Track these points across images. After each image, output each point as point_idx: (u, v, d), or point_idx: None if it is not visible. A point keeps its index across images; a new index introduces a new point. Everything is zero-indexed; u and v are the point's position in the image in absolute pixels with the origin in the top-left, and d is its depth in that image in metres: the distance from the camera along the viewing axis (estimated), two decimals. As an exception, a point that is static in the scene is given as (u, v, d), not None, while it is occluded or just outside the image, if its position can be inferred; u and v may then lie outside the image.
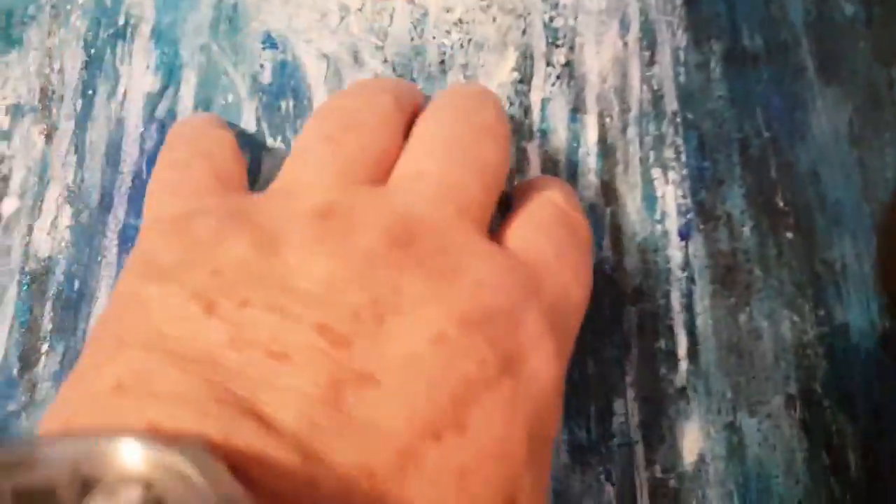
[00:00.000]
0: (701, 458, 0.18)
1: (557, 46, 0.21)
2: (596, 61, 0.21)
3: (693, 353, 0.19)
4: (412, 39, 0.20)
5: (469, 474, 0.10)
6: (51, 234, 0.17)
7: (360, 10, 0.20)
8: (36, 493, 0.08)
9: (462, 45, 0.20)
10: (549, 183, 0.17)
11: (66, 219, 0.18)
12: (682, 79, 0.22)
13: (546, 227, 0.15)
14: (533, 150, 0.20)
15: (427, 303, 0.11)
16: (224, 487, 0.08)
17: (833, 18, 0.24)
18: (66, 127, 0.17)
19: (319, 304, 0.11)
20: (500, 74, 0.21)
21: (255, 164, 0.19)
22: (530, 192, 0.17)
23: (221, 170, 0.14)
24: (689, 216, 0.20)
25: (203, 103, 0.18)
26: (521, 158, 0.20)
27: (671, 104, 0.21)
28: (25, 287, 0.17)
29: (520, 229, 0.15)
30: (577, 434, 0.18)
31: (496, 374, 0.11)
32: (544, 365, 0.12)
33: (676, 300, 0.20)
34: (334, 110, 0.15)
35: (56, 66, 0.18)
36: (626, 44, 0.21)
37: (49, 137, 0.17)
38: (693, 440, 0.19)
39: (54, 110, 0.17)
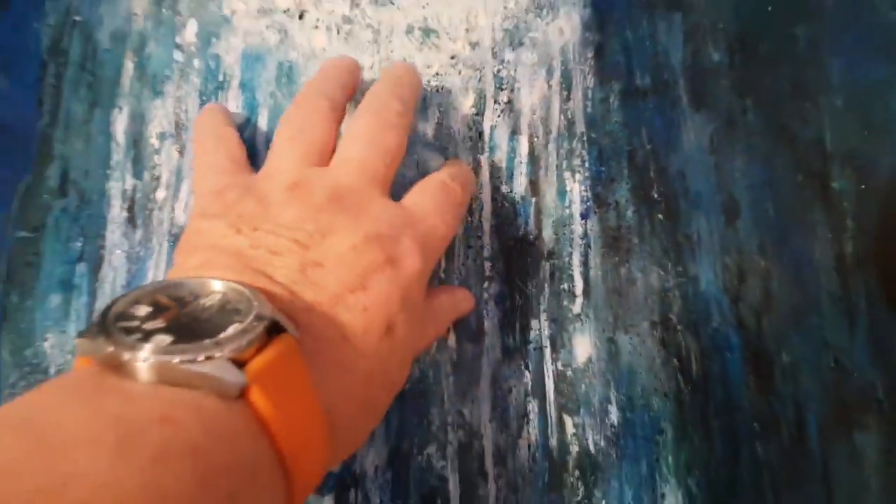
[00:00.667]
0: (589, 359, 0.29)
1: (502, 90, 0.32)
2: (529, 99, 0.32)
3: (587, 292, 0.29)
4: None
5: (369, 309, 0.19)
6: (184, 212, 0.28)
7: (370, 67, 0.31)
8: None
9: (438, 90, 0.31)
10: (448, 164, 0.26)
11: (190, 195, 0.29)
12: (589, 110, 0.32)
13: (430, 191, 0.24)
14: (484, 160, 0.31)
15: (347, 228, 0.20)
16: (259, 299, 0.17)
17: (704, 63, 0.34)
18: (190, 146, 0.28)
19: (292, 230, 0.20)
20: (463, 109, 0.31)
21: (250, 141, 0.29)
22: (437, 171, 0.25)
23: (233, 155, 0.24)
24: (588, 204, 0.31)
25: (272, 129, 0.29)
26: (476, 166, 0.31)
27: (580, 127, 0.32)
28: (171, 243, 0.28)
29: (413, 193, 0.24)
30: (506, 341, 0.29)
31: (383, 264, 0.20)
32: (411, 263, 0.21)
33: (577, 258, 0.30)
34: (292, 118, 0.23)
35: (183, 108, 0.29)
36: (550, 86, 0.32)
37: (181, 153, 0.29)
38: (584, 348, 0.29)
39: (183, 136, 0.29)
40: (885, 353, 0.31)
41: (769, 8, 0.36)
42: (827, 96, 0.35)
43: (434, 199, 0.24)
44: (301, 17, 0.29)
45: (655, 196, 0.31)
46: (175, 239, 0.28)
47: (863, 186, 0.34)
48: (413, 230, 0.22)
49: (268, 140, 0.28)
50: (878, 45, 0.36)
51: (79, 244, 0.26)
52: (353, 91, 0.26)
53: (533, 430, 0.27)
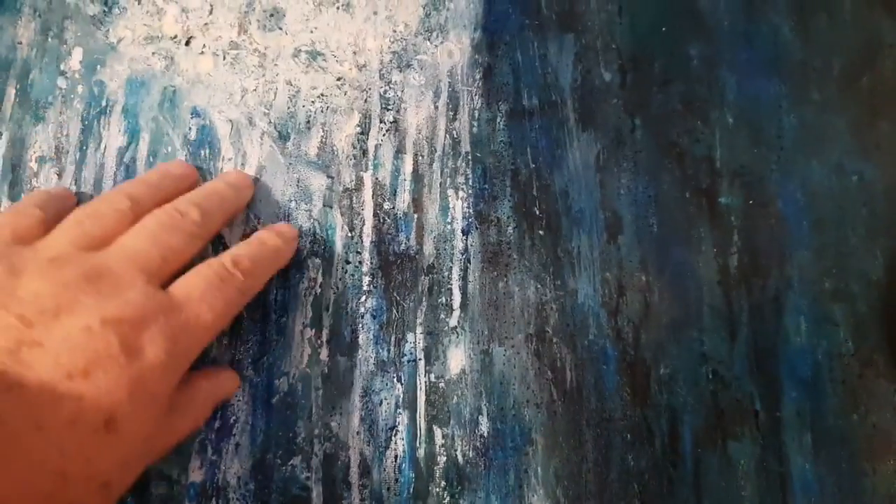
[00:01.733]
0: (462, 371, 0.30)
1: (388, 110, 0.33)
2: (414, 119, 0.33)
3: (464, 305, 0.31)
4: (289, 108, 0.32)
5: (85, 398, 0.18)
6: None
7: (254, 90, 0.32)
8: None
9: (322, 111, 0.33)
10: (250, 240, 0.27)
11: None
12: (475, 130, 0.33)
13: (203, 275, 0.23)
14: (367, 177, 0.32)
15: (87, 308, 0.20)
16: None
17: (594, 83, 0.35)
18: (70, 169, 0.30)
19: (25, 304, 0.20)
20: (347, 129, 0.33)
21: (130, 165, 0.31)
22: (227, 251, 0.26)
23: (18, 228, 0.23)
24: (469, 220, 0.32)
25: (153, 153, 0.30)
26: (358, 183, 0.32)
27: (465, 147, 0.33)
28: None
29: (187, 276, 0.24)
30: (381, 353, 0.30)
31: (117, 352, 0.19)
32: (153, 353, 0.20)
33: (456, 273, 0.31)
34: (90, 205, 0.25)
35: (65, 132, 0.30)
36: (437, 107, 0.33)
37: (59, 176, 0.30)
38: (458, 360, 0.30)
39: (63, 160, 0.30)
40: (764, 365, 0.32)
41: (663, 28, 0.37)
42: (718, 113, 0.36)
43: (205, 284, 0.23)
44: (188, 43, 0.30)
45: (537, 213, 0.32)
46: None
47: (750, 202, 0.35)
48: (167, 318, 0.21)
49: (148, 165, 0.30)
50: (770, 63, 0.37)
51: None
52: (173, 195, 0.26)
53: (401, 442, 0.28)
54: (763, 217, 0.35)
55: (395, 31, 0.34)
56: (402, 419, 0.29)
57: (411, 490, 0.28)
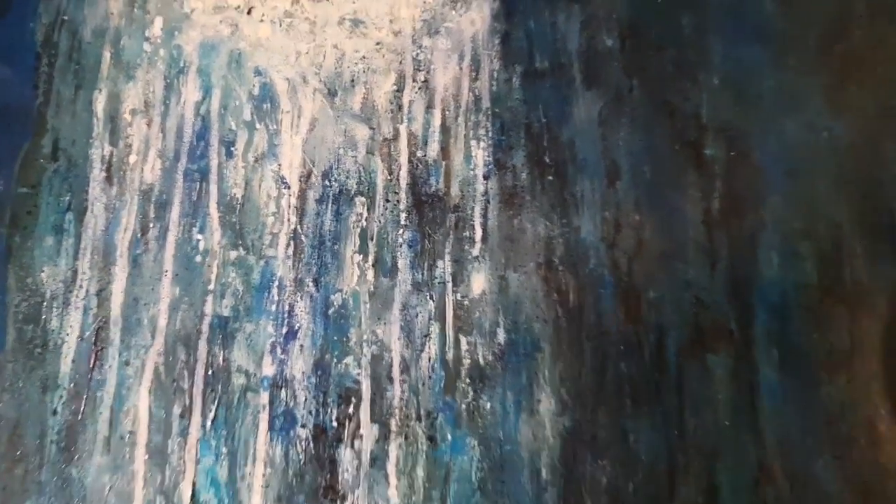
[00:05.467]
0: (483, 292, 0.36)
1: (420, 71, 0.39)
2: (442, 79, 0.39)
3: (484, 238, 0.37)
4: (336, 68, 0.38)
5: None
6: (151, 172, 0.36)
7: (306, 53, 0.38)
8: None
9: (364, 71, 0.39)
10: None
11: (156, 159, 0.36)
12: (494, 88, 0.39)
13: None
14: (403, 129, 0.38)
15: None
16: None
17: (597, 48, 0.41)
18: (157, 120, 0.36)
19: None
20: (385, 86, 0.39)
21: (205, 118, 0.37)
22: None
23: None
24: (489, 167, 0.38)
25: (223, 106, 0.37)
26: (395, 133, 0.38)
27: (486, 103, 0.39)
28: (140, 198, 0.36)
29: None
30: (416, 276, 0.36)
31: None
32: None
33: (478, 211, 0.37)
34: None
35: (151, 89, 0.37)
36: (461, 68, 0.39)
37: (149, 125, 0.36)
38: (479, 283, 0.36)
39: (150, 112, 0.36)
40: (740, 292, 0.39)
41: (659, 0, 0.43)
42: (706, 75, 0.42)
43: None
44: (249, 12, 0.36)
45: (547, 161, 0.38)
46: (143, 195, 0.35)
47: (732, 153, 0.41)
48: None
49: (220, 118, 0.36)
50: (754, 31, 0.43)
51: (67, 198, 0.34)
52: None
53: (433, 347, 0.34)
54: (742, 167, 0.41)
55: (424, 2, 0.40)
56: (435, 329, 0.36)
57: (442, 385, 0.35)
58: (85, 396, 0.31)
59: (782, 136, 0.42)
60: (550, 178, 0.39)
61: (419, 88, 0.39)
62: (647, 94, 0.41)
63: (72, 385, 0.31)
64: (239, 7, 0.37)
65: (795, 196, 0.41)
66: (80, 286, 0.33)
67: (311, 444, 0.32)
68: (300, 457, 0.32)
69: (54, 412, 0.31)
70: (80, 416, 0.31)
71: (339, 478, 0.32)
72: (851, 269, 0.41)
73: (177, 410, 0.31)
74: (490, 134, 0.39)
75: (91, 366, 0.31)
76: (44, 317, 0.32)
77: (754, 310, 0.39)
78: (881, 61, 0.45)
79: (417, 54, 0.39)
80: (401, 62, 0.39)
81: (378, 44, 0.39)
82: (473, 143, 0.39)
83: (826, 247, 0.40)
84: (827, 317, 0.40)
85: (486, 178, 0.39)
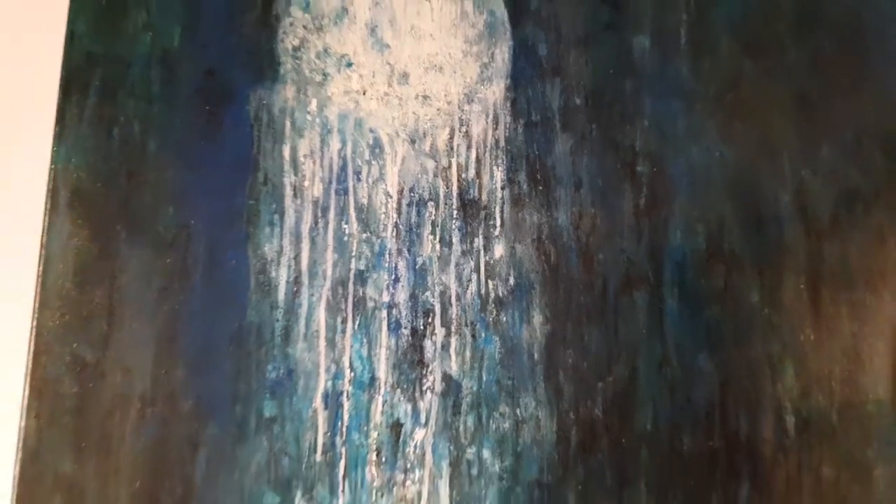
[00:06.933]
0: (501, 256, 0.65)
1: (463, 125, 0.67)
2: (476, 129, 0.67)
3: (502, 225, 0.65)
4: (415, 126, 0.66)
5: None
6: (318, 190, 0.65)
7: (398, 117, 0.67)
8: None
9: (431, 127, 0.67)
10: None
11: (319, 183, 0.65)
12: (507, 134, 0.67)
13: None
14: (454, 161, 0.66)
15: None
16: None
17: (570, 105, 0.68)
18: (317, 164, 0.65)
19: None
20: (443, 136, 0.67)
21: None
22: None
23: None
24: (504, 183, 0.66)
25: (353, 151, 0.65)
26: (448, 162, 0.66)
27: (502, 144, 0.67)
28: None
29: None
30: (463, 247, 0.65)
31: None
32: None
33: (497, 209, 0.66)
34: None
35: (313, 142, 0.65)
36: (487, 122, 0.67)
37: (314, 163, 0.65)
38: (499, 251, 0.65)
39: (314, 157, 0.65)
40: (656, 254, 0.67)
41: (611, 71, 0.70)
42: (640, 120, 0.69)
43: None
44: (364, 93, 0.65)
45: (538, 177, 0.66)
46: (314, 204, 0.64)
47: (654, 169, 0.69)
48: None
49: (352, 160, 0.65)
50: (673, 89, 0.70)
51: (273, 206, 0.63)
52: None
53: (472, 286, 0.63)
54: (660, 178, 0.68)
55: (465, 82, 0.68)
56: (474, 277, 0.64)
57: (478, 307, 0.64)
58: (292, 312, 0.61)
59: (689, 158, 0.69)
60: (540, 188, 0.67)
61: (463, 136, 0.67)
62: (601, 135, 0.69)
63: (285, 306, 0.61)
64: (358, 91, 0.65)
65: (695, 197, 0.68)
66: (284, 254, 0.62)
67: (410, 338, 0.61)
68: (404, 345, 0.61)
69: (276, 320, 0.60)
70: (289, 322, 0.60)
71: (425, 356, 0.61)
72: (728, 242, 0.68)
73: (339, 320, 0.61)
74: (505, 163, 0.67)
75: (293, 296, 0.61)
76: (268, 270, 0.61)
77: (664, 265, 0.67)
78: (759, 106, 0.72)
79: (461, 115, 0.67)
80: (451, 120, 0.67)
81: (438, 110, 0.67)
82: (495, 168, 0.67)
83: (713, 228, 0.68)
84: (713, 270, 0.67)
85: (502, 189, 0.67)
